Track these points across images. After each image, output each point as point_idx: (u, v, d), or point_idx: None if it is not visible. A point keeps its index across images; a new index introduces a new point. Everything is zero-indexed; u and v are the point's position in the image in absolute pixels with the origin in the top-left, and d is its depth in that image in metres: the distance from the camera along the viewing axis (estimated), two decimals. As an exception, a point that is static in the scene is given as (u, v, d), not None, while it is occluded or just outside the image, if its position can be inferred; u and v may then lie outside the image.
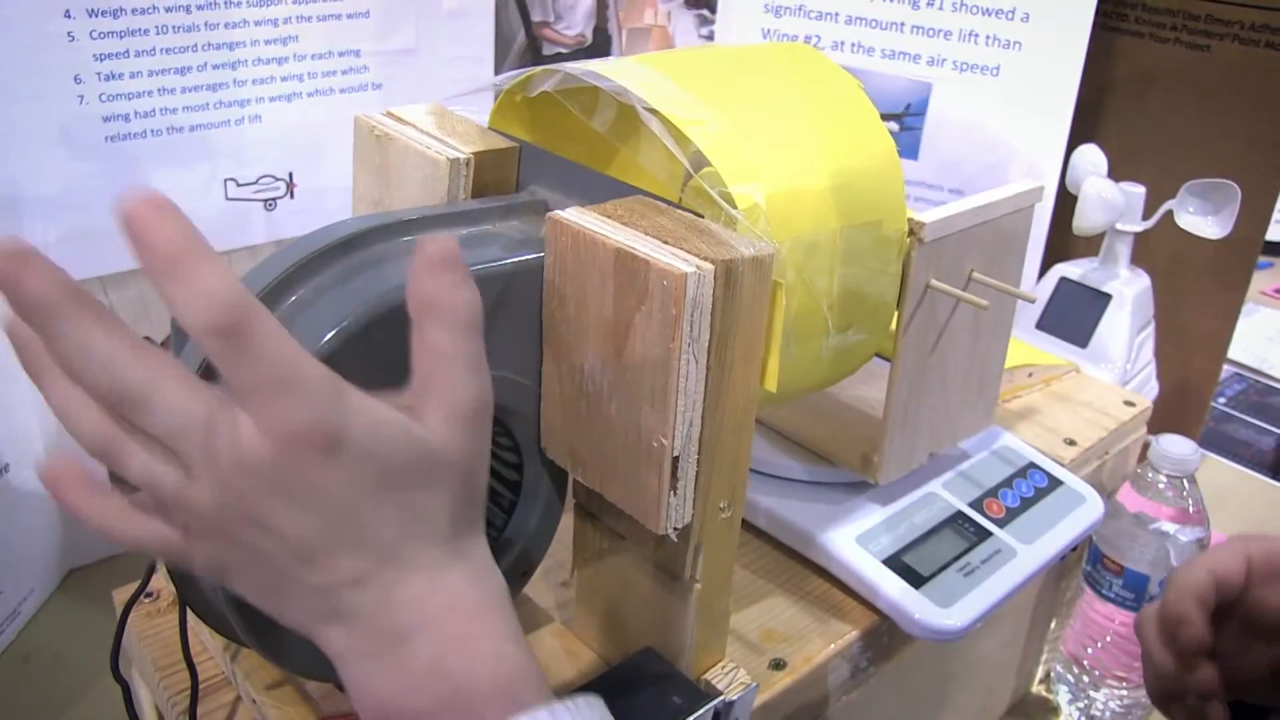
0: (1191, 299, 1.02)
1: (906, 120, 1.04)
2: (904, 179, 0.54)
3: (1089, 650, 0.78)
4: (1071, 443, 0.73)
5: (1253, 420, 1.16)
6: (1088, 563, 0.76)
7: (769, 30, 1.05)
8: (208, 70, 0.80)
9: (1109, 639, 0.77)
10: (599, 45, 0.98)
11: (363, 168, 0.57)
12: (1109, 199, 0.86)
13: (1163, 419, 1.04)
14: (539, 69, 0.53)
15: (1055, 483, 0.68)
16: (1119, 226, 0.90)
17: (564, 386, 0.47)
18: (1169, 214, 0.89)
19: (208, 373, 0.42)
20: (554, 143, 0.57)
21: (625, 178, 0.52)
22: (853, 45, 1.04)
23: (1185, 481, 0.73)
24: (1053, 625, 0.81)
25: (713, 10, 1.04)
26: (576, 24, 0.96)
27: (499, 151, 0.53)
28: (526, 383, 0.48)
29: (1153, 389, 0.95)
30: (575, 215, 0.45)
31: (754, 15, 1.05)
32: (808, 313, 0.50)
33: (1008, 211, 0.61)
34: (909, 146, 1.05)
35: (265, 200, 0.87)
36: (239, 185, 0.85)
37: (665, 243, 0.42)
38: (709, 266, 0.40)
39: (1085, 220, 0.87)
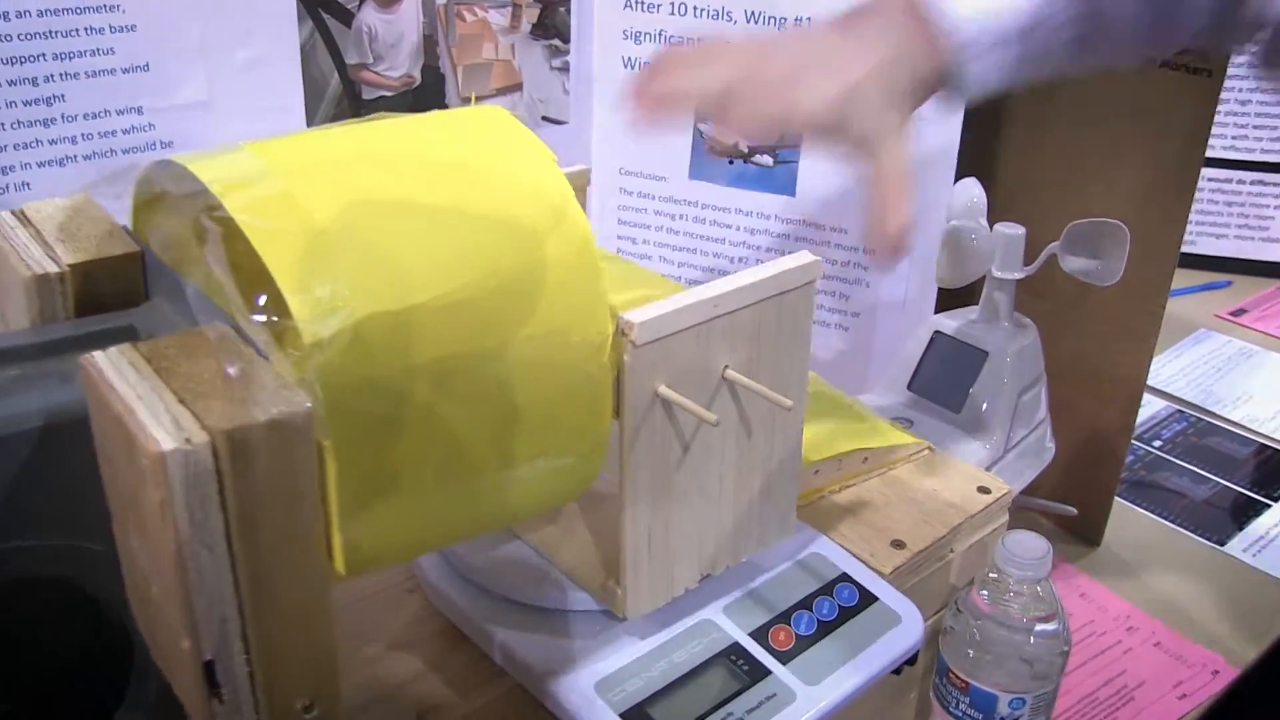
0: (1100, 345, 0.91)
1: (781, 154, 0.95)
2: (600, 268, 0.45)
3: (945, 770, 0.68)
4: (900, 545, 0.63)
5: (1189, 465, 1.05)
6: (936, 674, 0.67)
7: (630, 59, 0.96)
8: (-43, 137, 0.73)
9: (966, 758, 0.67)
10: (430, 86, 0.89)
11: (-15, 273, 0.49)
12: (971, 246, 0.76)
13: (1074, 478, 0.94)
14: (152, 161, 0.45)
15: (868, 599, 0.58)
16: (996, 273, 0.80)
17: (126, 558, 0.38)
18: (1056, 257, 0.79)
19: None
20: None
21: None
22: (719, 73, 0.94)
23: (1038, 586, 0.63)
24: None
25: (565, 40, 0.95)
26: (400, 64, 0.87)
27: (115, 259, 0.45)
28: (100, 548, 0.40)
29: (1048, 451, 0.85)
30: (107, 360, 0.36)
31: (613, 42, 0.97)
32: (456, 449, 0.41)
33: (774, 293, 0.52)
34: (785, 182, 0.95)
35: (44, 273, 0.79)
36: (9, 259, 0.77)
37: (182, 401, 0.34)
38: (202, 440, 0.32)
39: (945, 271, 0.77)
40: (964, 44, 0.55)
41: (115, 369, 0.35)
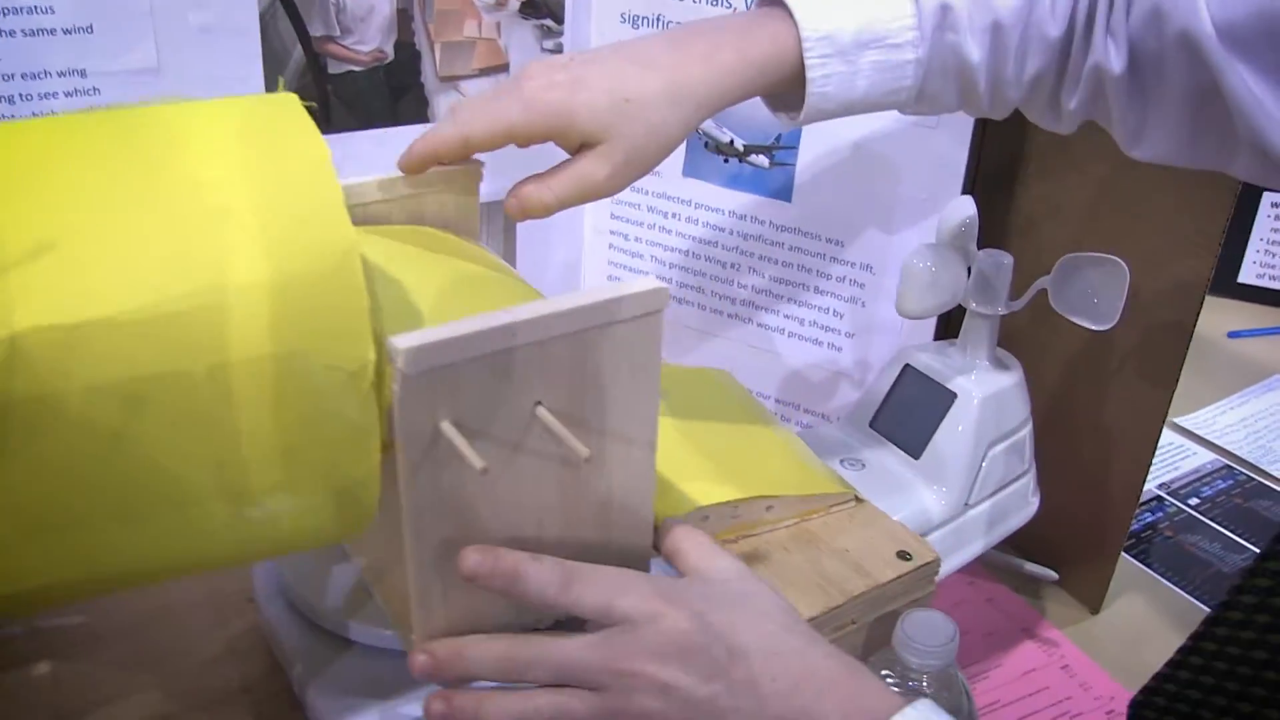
0: (1112, 389, 0.82)
1: (777, 155, 0.87)
2: (363, 286, 0.40)
3: None
4: (783, 610, 0.56)
5: (1224, 530, 0.94)
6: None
7: (628, 45, 0.90)
8: (-125, 93, 0.72)
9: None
10: (404, 63, 0.85)
11: None
12: (931, 275, 0.68)
13: (1073, 535, 0.85)
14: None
15: (722, 667, 0.52)
16: (975, 308, 0.71)
17: None
18: (1045, 294, 0.70)
19: None
20: None
21: None
22: (715, 65, 0.87)
23: (940, 674, 0.55)
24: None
25: (558, 21, 0.90)
26: (371, 38, 0.83)
27: None
28: None
29: (1030, 505, 0.76)
30: None
31: (610, 27, 0.91)
32: (156, 480, 0.37)
33: (599, 323, 0.45)
34: (781, 187, 0.88)
35: (-13, 234, 0.78)
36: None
37: None
38: None
39: (906, 302, 0.69)
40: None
41: None
